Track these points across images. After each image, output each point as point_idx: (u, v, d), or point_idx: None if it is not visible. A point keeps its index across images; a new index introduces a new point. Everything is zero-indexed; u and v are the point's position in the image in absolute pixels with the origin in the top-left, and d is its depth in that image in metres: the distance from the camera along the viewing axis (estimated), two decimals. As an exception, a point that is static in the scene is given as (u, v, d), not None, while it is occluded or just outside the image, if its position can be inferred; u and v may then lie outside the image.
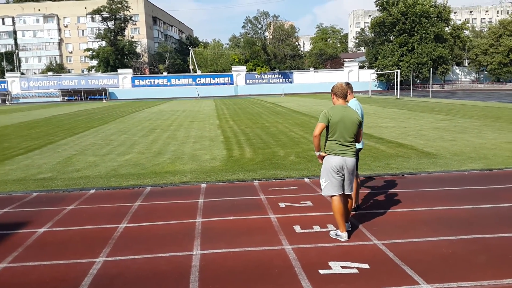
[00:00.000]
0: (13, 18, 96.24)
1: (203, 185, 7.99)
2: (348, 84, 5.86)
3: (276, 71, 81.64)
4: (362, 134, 5.31)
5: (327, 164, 5.01)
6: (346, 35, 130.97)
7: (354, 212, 5.96)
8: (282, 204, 6.55)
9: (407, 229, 5.30)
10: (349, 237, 5.05)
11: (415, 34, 69.37)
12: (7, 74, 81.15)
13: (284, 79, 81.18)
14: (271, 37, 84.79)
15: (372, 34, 78.49)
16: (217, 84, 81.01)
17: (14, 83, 79.65)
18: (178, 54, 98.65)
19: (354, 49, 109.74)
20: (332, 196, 5.02)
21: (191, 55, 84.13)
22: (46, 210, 6.62)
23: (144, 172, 9.32)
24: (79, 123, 23.35)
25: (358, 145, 5.61)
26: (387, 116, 21.83)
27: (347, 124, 4.91)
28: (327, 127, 4.97)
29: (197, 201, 6.89)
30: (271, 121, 20.86)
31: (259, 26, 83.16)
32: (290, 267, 4.29)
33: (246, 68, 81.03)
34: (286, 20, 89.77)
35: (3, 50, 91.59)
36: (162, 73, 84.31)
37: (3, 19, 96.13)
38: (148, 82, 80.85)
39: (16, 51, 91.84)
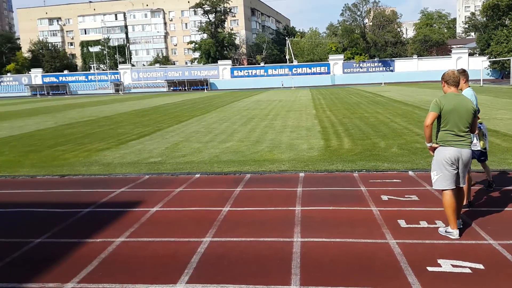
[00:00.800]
0: (124, 13, 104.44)
1: (301, 174, 8.01)
2: (464, 71, 5.46)
3: (375, 59, 78.59)
4: (476, 124, 4.95)
5: (439, 156, 4.73)
6: (454, 20, 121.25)
7: (467, 209, 5.55)
8: (384, 197, 6.33)
9: (528, 231, 4.81)
10: (460, 235, 4.72)
11: (536, 16, 61.93)
12: (119, 66, 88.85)
13: (384, 68, 77.87)
14: (371, 24, 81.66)
15: (484, 19, 71.66)
16: (314, 73, 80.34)
17: (125, 74, 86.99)
18: (275, 44, 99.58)
19: (463, 35, 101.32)
20: (443, 190, 4.73)
21: (288, 45, 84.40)
22: (157, 191, 7.15)
23: (244, 159, 9.61)
24: (184, 112, 24.76)
25: (478, 148, 5.21)
26: (502, 107, 19.90)
27: (461, 113, 4.60)
28: (439, 117, 4.68)
29: (295, 190, 6.94)
30: (370, 111, 20.19)
31: (358, 13, 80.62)
32: (395, 262, 4.14)
33: (344, 57, 79.17)
34: (388, 6, 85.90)
35: (116, 44, 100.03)
36: (259, 64, 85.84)
37: (116, 15, 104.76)
38: (246, 72, 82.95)
39: (128, 44, 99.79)
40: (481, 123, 5.84)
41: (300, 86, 71.86)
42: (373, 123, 15.05)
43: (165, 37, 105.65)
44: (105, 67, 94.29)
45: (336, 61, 79.28)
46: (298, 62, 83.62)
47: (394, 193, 6.50)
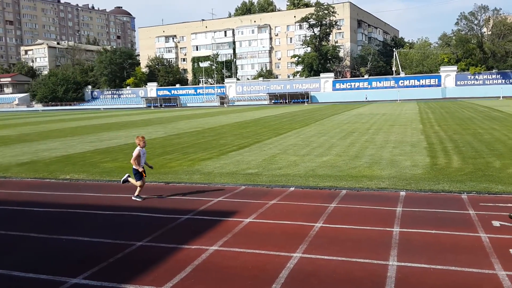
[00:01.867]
0: (233, 30, 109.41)
1: (402, 193, 7.57)
2: None
3: (493, 71, 71.99)
4: None
5: None
6: None
7: None
8: (496, 223, 5.70)
9: None
10: None
11: None
12: (225, 80, 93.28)
13: (503, 80, 70.94)
14: (490, 33, 75.11)
15: None
16: (422, 86, 76.10)
17: (231, 88, 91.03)
18: (381, 56, 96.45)
19: None
20: None
21: (395, 56, 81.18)
22: (252, 202, 7.28)
23: (340, 174, 9.37)
24: (283, 124, 25.05)
25: None
26: None
27: None
28: None
29: (395, 209, 6.56)
30: (485, 127, 18.47)
31: (476, 22, 74.77)
32: (505, 298, 3.68)
33: (457, 68, 73.79)
34: (510, 14, 78.23)
35: (224, 59, 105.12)
36: (363, 76, 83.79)
37: (225, 32, 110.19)
38: (348, 85, 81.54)
39: (234, 59, 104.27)
40: None
41: (407, 99, 68.51)
42: (488, 140, 13.72)
43: (270, 51, 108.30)
44: (213, 81, 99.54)
45: (448, 73, 74.17)
46: (405, 74, 79.93)
47: (507, 219, 5.82)
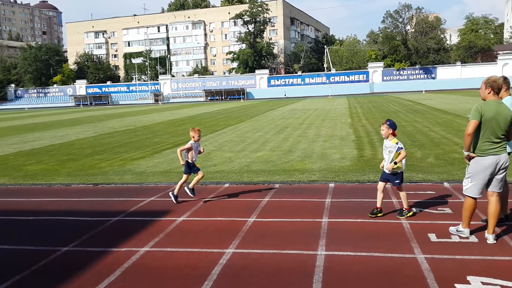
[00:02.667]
0: (166, 26, 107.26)
1: (331, 185, 7.86)
2: (505, 78, 5.22)
3: (417, 66, 76.68)
4: None
5: (477, 166, 4.75)
6: (501, 25, 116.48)
7: (503, 223, 5.24)
8: (416, 210, 6.09)
9: None
10: (494, 249, 4.46)
11: None
12: (160, 77, 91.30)
13: (425, 75, 75.81)
14: (413, 30, 79.84)
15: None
16: (352, 81, 79.38)
17: (165, 85, 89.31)
18: (313, 53, 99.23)
19: (511, 40, 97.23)
20: (473, 197, 4.82)
21: (326, 53, 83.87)
22: (185, 200, 7.19)
23: (274, 169, 9.54)
24: (219, 121, 25.02)
25: (509, 149, 4.97)
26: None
27: (500, 121, 4.60)
28: (479, 124, 4.63)
29: (324, 201, 6.80)
30: (408, 120, 19.65)
31: (400, 19, 79.14)
32: (422, 279, 3.95)
33: (384, 64, 77.74)
34: (431, 12, 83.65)
35: (158, 56, 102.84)
36: (296, 73, 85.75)
37: (158, 27, 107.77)
38: (283, 81, 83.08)
39: (168, 55, 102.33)
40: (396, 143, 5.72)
41: (337, 94, 71.10)
42: (411, 132, 14.62)
43: (205, 48, 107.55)
44: (146, 78, 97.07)
45: (375, 69, 77.98)
46: (336, 70, 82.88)
47: (426, 206, 6.25)
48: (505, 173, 4.75)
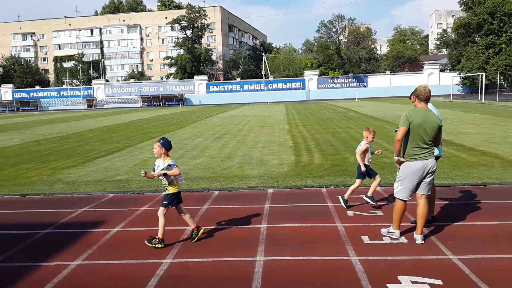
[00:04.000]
0: (100, 29, 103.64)
1: (270, 191, 7.95)
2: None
3: (350, 75, 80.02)
4: (441, 139, 5.19)
5: (407, 170, 4.99)
6: (427, 36, 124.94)
7: (431, 224, 5.57)
8: (350, 213, 6.32)
9: (487, 244, 4.85)
10: (421, 250, 4.73)
11: (504, 34, 64.44)
12: (93, 82, 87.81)
13: (358, 83, 79.27)
14: (346, 40, 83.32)
15: (455, 36, 74.10)
16: (289, 89, 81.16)
17: (99, 90, 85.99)
18: (251, 60, 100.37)
19: (435, 51, 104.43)
20: (403, 200, 5.07)
21: (264, 60, 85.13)
22: (120, 210, 6.95)
23: (213, 175, 9.49)
24: (156, 127, 24.49)
25: (436, 152, 5.30)
26: (470, 122, 20.40)
27: (427, 128, 4.86)
28: (408, 130, 4.89)
29: (263, 207, 6.86)
30: (342, 126, 20.40)
31: (334, 29, 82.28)
32: (356, 279, 4.09)
33: (319, 73, 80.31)
34: (362, 23, 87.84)
35: (91, 59, 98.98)
36: (235, 79, 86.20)
37: (91, 30, 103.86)
38: (222, 88, 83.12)
39: (102, 60, 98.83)
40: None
41: (275, 101, 72.34)
42: (345, 138, 15.17)
43: (141, 52, 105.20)
44: (78, 83, 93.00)
45: (311, 77, 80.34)
46: (274, 78, 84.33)
47: (360, 209, 6.50)
48: (432, 176, 5.03)
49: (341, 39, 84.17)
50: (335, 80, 79.53)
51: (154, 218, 6.44)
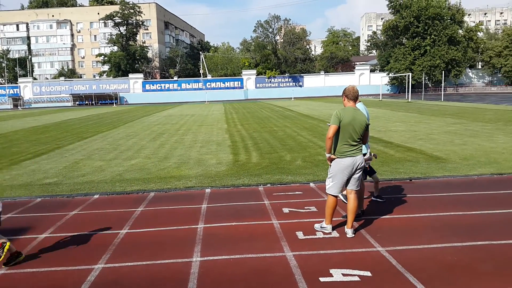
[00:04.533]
0: (27, 24, 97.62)
1: (208, 190, 7.92)
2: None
3: (286, 74, 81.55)
4: (368, 136, 5.43)
5: (337, 167, 5.18)
6: (358, 38, 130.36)
7: (360, 218, 5.84)
8: (286, 210, 6.45)
9: (412, 236, 5.17)
10: (352, 243, 4.94)
11: (428, 37, 68.80)
12: (19, 80, 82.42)
13: (294, 83, 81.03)
14: (282, 40, 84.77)
15: (384, 38, 77.98)
16: (227, 88, 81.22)
17: (26, 88, 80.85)
18: (189, 58, 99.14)
19: (366, 52, 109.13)
20: (334, 195, 5.25)
21: (202, 59, 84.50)
22: (49, 215, 6.61)
23: (149, 177, 9.29)
24: (88, 127, 23.51)
25: (364, 150, 5.56)
26: (398, 120, 21.59)
27: (355, 126, 5.08)
28: (338, 128, 5.09)
29: (200, 207, 6.82)
30: (279, 125, 20.77)
31: (270, 30, 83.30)
32: (290, 275, 4.19)
33: (256, 72, 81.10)
34: (298, 24, 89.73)
35: (17, 56, 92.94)
36: (172, 78, 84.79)
37: (17, 25, 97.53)
38: (158, 86, 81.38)
39: (29, 56, 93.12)
40: None
41: (214, 100, 72.11)
42: (281, 137, 15.46)
43: (72, 49, 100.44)
44: (3, 81, 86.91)
45: (249, 76, 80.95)
46: (212, 77, 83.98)
47: (295, 205, 6.66)
48: (361, 172, 5.28)
49: (278, 39, 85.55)
50: (272, 80, 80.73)
51: (86, 222, 6.21)
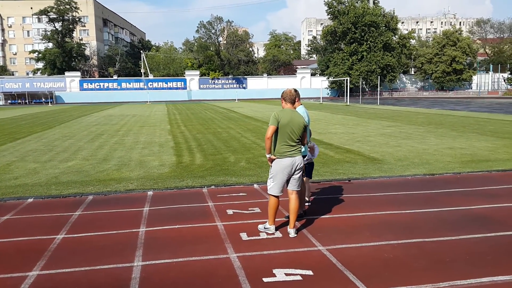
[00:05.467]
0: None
1: (150, 193, 7.76)
2: (295, 91, 5.94)
3: (229, 76, 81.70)
4: (306, 137, 5.62)
5: (277, 167, 5.27)
6: (299, 42, 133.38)
7: (302, 218, 5.98)
8: (230, 211, 6.47)
9: (351, 234, 5.38)
10: (294, 242, 5.05)
11: (365, 43, 71.74)
12: None
13: (238, 85, 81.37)
14: (225, 42, 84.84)
15: (324, 43, 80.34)
16: (170, 88, 79.96)
17: (-51, 85, 74.91)
18: (129, 57, 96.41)
19: (307, 56, 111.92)
20: (275, 195, 5.33)
21: (143, 58, 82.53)
22: (-24, 221, 6.16)
23: (87, 179, 8.94)
24: (21, 128, 22.19)
25: (303, 149, 5.70)
26: (337, 123, 22.32)
27: (294, 127, 5.21)
28: (277, 129, 5.18)
29: (142, 210, 6.67)
30: (223, 126, 20.76)
31: (213, 31, 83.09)
32: (234, 276, 4.21)
33: (200, 73, 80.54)
34: (240, 26, 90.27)
35: None
36: (112, 77, 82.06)
37: None
38: (97, 85, 78.45)
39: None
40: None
41: (156, 100, 70.69)
42: (225, 138, 15.46)
43: (3, 45, 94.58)
44: None
45: (193, 77, 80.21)
46: (154, 76, 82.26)
47: (239, 207, 6.69)
48: (301, 173, 5.41)
49: (221, 41, 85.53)
50: (216, 81, 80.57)
51: (18, 228, 5.87)
